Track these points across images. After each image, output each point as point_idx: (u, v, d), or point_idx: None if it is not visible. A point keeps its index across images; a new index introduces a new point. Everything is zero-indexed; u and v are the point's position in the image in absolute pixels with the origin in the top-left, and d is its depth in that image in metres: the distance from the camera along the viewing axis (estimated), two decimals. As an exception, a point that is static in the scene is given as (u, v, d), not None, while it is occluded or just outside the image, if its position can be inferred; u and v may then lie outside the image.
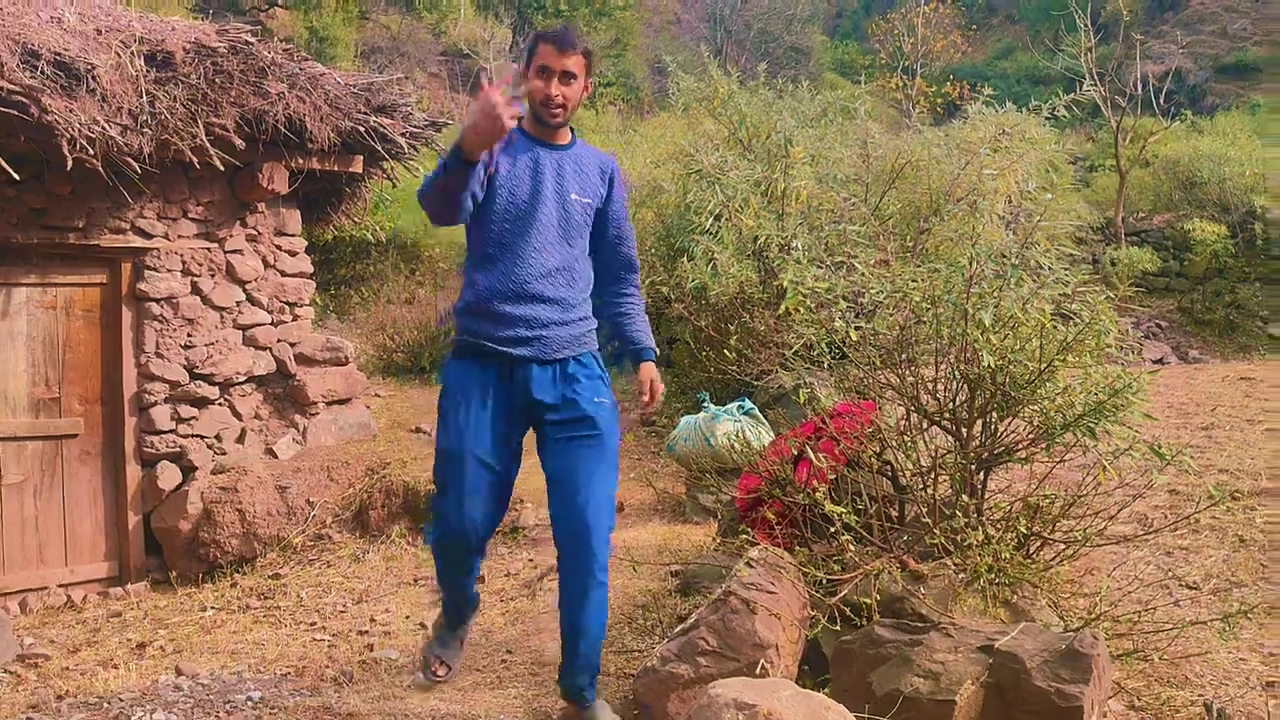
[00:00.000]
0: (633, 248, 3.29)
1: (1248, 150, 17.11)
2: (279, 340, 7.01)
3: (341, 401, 7.27)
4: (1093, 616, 3.21)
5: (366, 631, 4.65)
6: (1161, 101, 18.69)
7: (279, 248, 7.04)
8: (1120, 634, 3.48)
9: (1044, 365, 3.21)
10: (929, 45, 28.04)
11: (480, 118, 2.58)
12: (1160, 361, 14.65)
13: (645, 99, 24.60)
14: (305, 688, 3.75)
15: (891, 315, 3.80)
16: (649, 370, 3.21)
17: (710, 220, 6.68)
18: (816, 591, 3.23)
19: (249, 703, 3.43)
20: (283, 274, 7.06)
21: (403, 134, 6.81)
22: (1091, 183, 20.18)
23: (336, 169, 7.00)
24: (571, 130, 3.16)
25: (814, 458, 3.45)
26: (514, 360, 2.97)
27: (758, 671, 2.79)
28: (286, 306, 7.07)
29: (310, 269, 7.27)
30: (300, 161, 6.67)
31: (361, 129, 6.61)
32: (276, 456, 6.77)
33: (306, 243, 7.31)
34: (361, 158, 7.06)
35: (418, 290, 10.95)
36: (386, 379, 9.13)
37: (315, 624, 4.90)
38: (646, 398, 3.18)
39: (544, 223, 2.98)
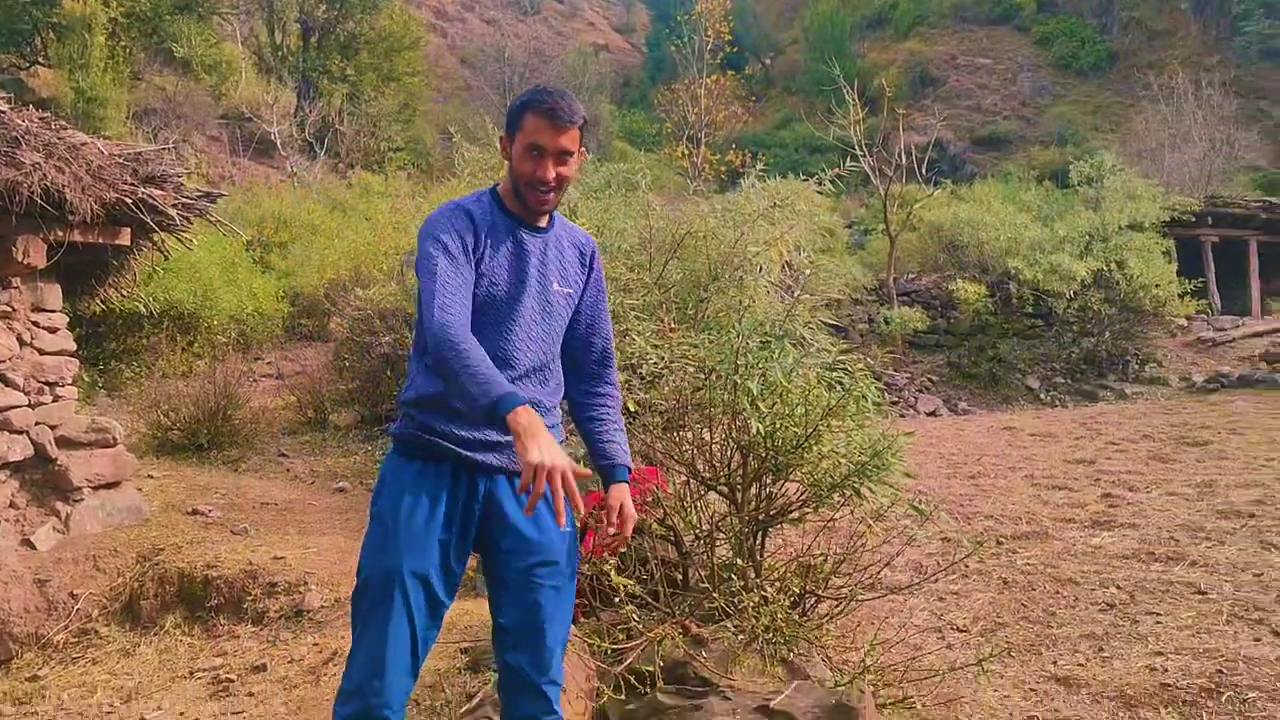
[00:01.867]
0: (608, 336, 2.82)
1: (1002, 215, 18.60)
2: (37, 423, 6.56)
3: (110, 485, 6.84)
4: (859, 671, 3.38)
5: (135, 733, 4.37)
6: (925, 170, 20.11)
7: (36, 324, 6.61)
8: (888, 684, 3.67)
9: (809, 430, 3.39)
10: (712, 115, 29.29)
11: (539, 468, 2.09)
12: (933, 414, 15.62)
13: (435, 164, 24.59)
14: (63, 802, 3.48)
15: (671, 382, 3.94)
16: (620, 493, 2.63)
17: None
18: (603, 661, 3.26)
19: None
20: (41, 352, 6.62)
21: (174, 205, 6.56)
22: (866, 245, 21.47)
23: (101, 241, 6.66)
24: None
25: (594, 527, 3.50)
26: (477, 468, 2.52)
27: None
28: (46, 386, 6.63)
29: (72, 346, 6.85)
30: (60, 234, 6.31)
31: (128, 200, 6.32)
32: (35, 548, 6.29)
33: (69, 318, 6.90)
34: (129, 230, 6.75)
35: (195, 363, 10.48)
36: (160, 458, 8.66)
37: (77, 730, 4.57)
38: (613, 528, 2.60)
39: (525, 318, 2.57)
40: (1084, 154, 20.76)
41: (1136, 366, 17.23)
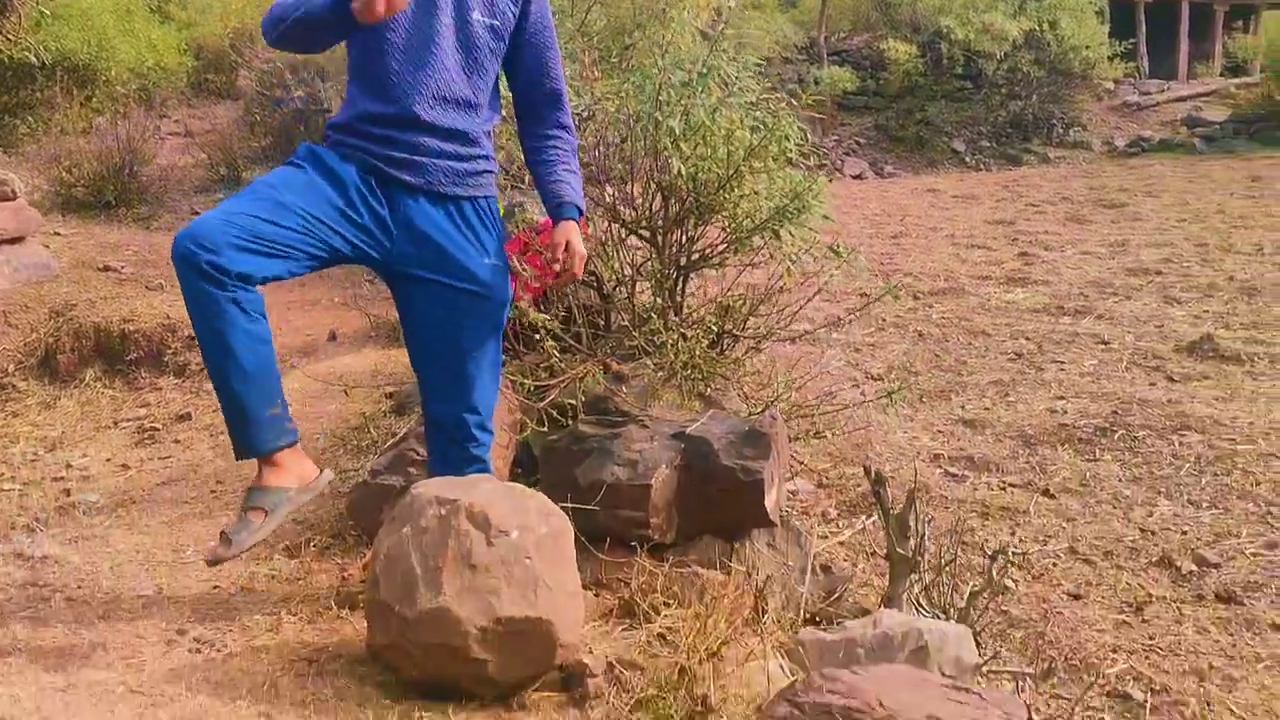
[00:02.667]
0: (559, 79, 2.64)
1: (938, -29, 18.01)
2: (-71, 174, 6.26)
3: (14, 240, 6.62)
4: (771, 400, 3.50)
5: (62, 478, 4.40)
6: (861, -79, 19.28)
7: (-84, 67, 6.19)
8: (802, 416, 3.81)
9: (731, 171, 3.35)
10: None
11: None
12: (859, 176, 15.63)
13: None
14: (-8, 538, 3.53)
15: (592, 129, 3.85)
16: (565, 231, 2.51)
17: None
18: (526, 399, 3.32)
19: (-76, 559, 3.19)
20: (-75, 98, 6.24)
21: (56, -65, 6.04)
22: (798, 3, 20.77)
23: (-22, -25, 6.17)
24: None
25: (519, 268, 3.49)
26: (393, 181, 2.39)
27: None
28: (-66, 136, 6.29)
29: (-41, 93, 6.46)
30: (-69, -35, 5.82)
31: (4, -73, 5.82)
32: (-59, 303, 6.13)
33: (-47, 63, 6.47)
34: (8, -38, 6.24)
35: (95, 119, 9.96)
36: (67, 216, 8.35)
37: (3, 474, 4.59)
38: (557, 265, 2.51)
39: (440, 50, 2.39)
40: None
41: (1061, 130, 17.30)
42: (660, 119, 3.33)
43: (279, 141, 9.70)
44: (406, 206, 2.41)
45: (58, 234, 7.62)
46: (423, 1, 2.39)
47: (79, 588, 2.86)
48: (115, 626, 2.59)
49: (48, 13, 9.38)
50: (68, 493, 4.17)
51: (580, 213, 2.60)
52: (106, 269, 6.92)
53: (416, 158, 2.38)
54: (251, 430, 2.27)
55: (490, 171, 2.56)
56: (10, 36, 7.63)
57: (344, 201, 2.33)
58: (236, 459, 2.35)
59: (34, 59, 9.63)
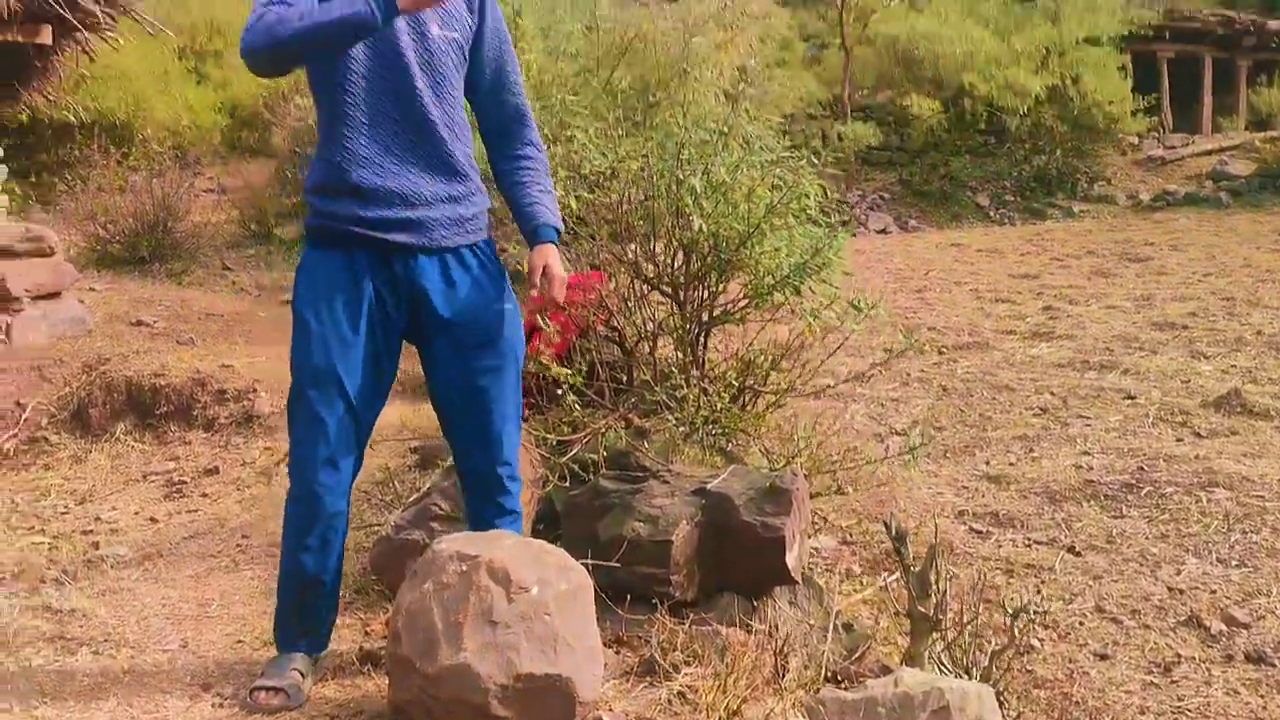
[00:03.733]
0: (519, 93, 2.57)
1: (959, 29, 18.22)
2: (-32, 231, 6.41)
3: (50, 296, 6.74)
4: (793, 455, 3.50)
5: (91, 531, 4.44)
6: (883, -20, 19.50)
7: (-41, 128, 6.38)
8: (825, 472, 3.81)
9: (752, 228, 3.39)
10: (666, -81, 28.08)
11: None
12: (884, 231, 15.69)
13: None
14: (22, 590, 3.57)
15: (616, 187, 3.90)
16: (544, 254, 2.41)
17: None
18: (549, 453, 3.35)
19: (-44, 611, 3.23)
20: (-34, 159, 6.41)
21: (96, 1, 6.24)
22: (822, 60, 20.99)
23: (21, 40, 6.35)
24: None
25: (543, 324, 3.53)
26: (391, 250, 2.35)
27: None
28: (-26, 195, 6.45)
29: None
30: (-23, 31, 6.01)
31: (47, -7, 6.00)
32: (-23, 358, 6.24)
33: (-5, 125, 6.66)
34: (49, 27, 6.42)
35: (131, 177, 10.18)
36: (102, 271, 8.51)
37: (33, 528, 4.63)
38: (535, 291, 2.42)
39: (409, 77, 2.32)
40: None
41: (1086, 184, 17.33)
42: (682, 177, 3.39)
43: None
44: (407, 268, 2.39)
45: (93, 289, 7.77)
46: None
47: (105, 641, 2.89)
48: (140, 680, 2.61)
49: (88, 74, 9.64)
50: (96, 545, 4.20)
51: (558, 233, 2.50)
52: (139, 323, 7.03)
53: (408, 214, 2.35)
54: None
55: (483, 210, 2.52)
56: (51, 97, 7.84)
57: (366, 316, 2.37)
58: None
59: (73, 118, 9.89)
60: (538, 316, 3.82)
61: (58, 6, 6.09)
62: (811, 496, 3.60)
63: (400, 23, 2.29)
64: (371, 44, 2.29)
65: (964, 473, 4.99)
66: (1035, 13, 18.60)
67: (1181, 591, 3.62)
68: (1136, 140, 19.06)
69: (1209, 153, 19.12)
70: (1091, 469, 4.90)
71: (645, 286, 3.79)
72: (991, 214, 16.69)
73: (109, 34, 6.72)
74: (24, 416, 5.90)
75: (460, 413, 2.52)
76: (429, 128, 2.36)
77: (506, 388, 2.50)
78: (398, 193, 2.34)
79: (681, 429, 3.34)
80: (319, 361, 2.34)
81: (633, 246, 3.86)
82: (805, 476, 3.18)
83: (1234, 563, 3.82)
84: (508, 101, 2.55)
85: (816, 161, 3.76)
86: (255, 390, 5.65)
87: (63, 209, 9.65)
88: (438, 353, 2.47)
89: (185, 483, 5.00)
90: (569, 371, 3.29)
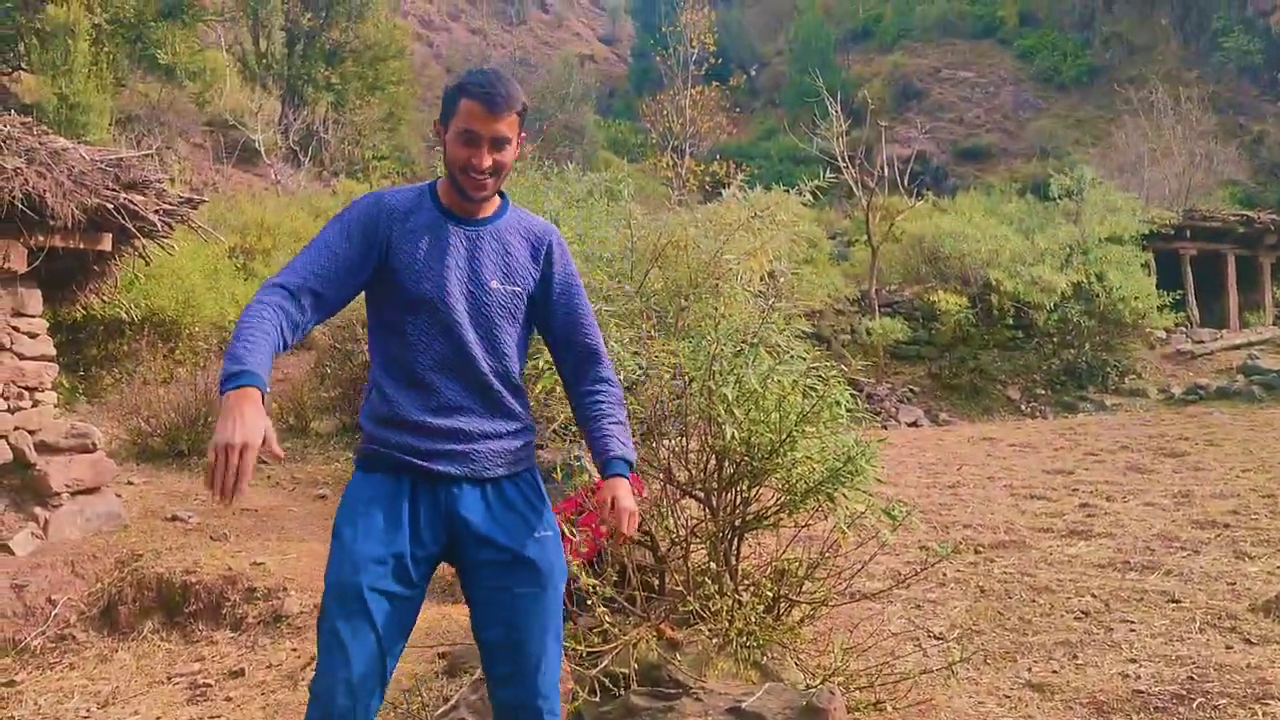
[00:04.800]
0: (591, 333, 2.60)
1: (984, 228, 18.73)
2: (16, 428, 6.55)
3: (89, 491, 6.84)
4: (830, 672, 3.42)
5: (111, 738, 4.37)
6: (907, 182, 20.26)
7: (16, 329, 6.61)
8: (861, 687, 3.70)
9: (784, 436, 3.42)
10: (697, 126, 29.44)
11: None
12: (914, 424, 15.69)
13: (419, 172, 24.58)
14: (37, 806, 3.49)
15: (649, 390, 3.98)
16: (613, 487, 2.41)
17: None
18: (578, 665, 3.29)
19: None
20: (20, 357, 6.62)
21: (155, 211, 6.57)
22: (850, 256, 21.56)
23: (82, 246, 6.67)
24: (502, 195, 2.55)
25: (569, 533, 3.53)
26: (436, 479, 2.41)
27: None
28: (25, 391, 6.63)
29: (52, 351, 6.85)
30: (41, 239, 6.32)
31: (110, 206, 6.33)
32: (13, 553, 6.28)
33: (49, 323, 6.91)
34: (110, 235, 6.76)
35: (176, 369, 10.46)
36: (141, 464, 8.64)
37: (53, 734, 4.56)
38: (604, 526, 2.42)
39: (456, 324, 2.41)
40: (1065, 167, 20.89)
41: (1116, 378, 17.36)
42: (714, 387, 3.45)
43: (347, 393, 10.06)
44: (450, 497, 2.41)
45: (130, 483, 7.87)
46: (435, 279, 2.40)
47: None
48: None
49: (141, 275, 10.04)
50: (115, 756, 4.12)
51: (630, 466, 2.49)
52: (174, 519, 7.08)
53: (457, 447, 2.40)
54: None
55: (530, 443, 2.54)
56: (105, 298, 8.16)
57: (404, 537, 2.37)
58: None
59: (124, 315, 10.24)
60: (563, 524, 3.82)
61: (120, 218, 6.42)
62: (849, 711, 3.49)
63: (455, 276, 2.40)
64: (425, 294, 2.39)
65: (1006, 681, 4.82)
66: (1057, 213, 19.12)
67: (1244, 819, 3.43)
68: (1164, 335, 19.21)
69: (1237, 347, 19.20)
70: (1139, 678, 4.72)
71: (677, 491, 3.79)
72: (1023, 407, 16.69)
73: (165, 240, 7.04)
74: (54, 613, 5.89)
75: (498, 638, 2.45)
76: (481, 379, 2.43)
77: (546, 614, 2.44)
78: (449, 430, 2.39)
79: (715, 640, 3.28)
80: (349, 579, 2.33)
81: (664, 450, 3.89)
82: (842, 694, 3.10)
83: (1297, 787, 3.63)
84: (580, 341, 2.59)
85: (845, 365, 3.83)
86: (285, 589, 5.63)
87: (108, 402, 9.87)
88: (476, 575, 2.45)
89: (210, 685, 4.93)
90: (597, 582, 3.26)
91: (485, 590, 2.44)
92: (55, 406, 6.96)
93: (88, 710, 4.85)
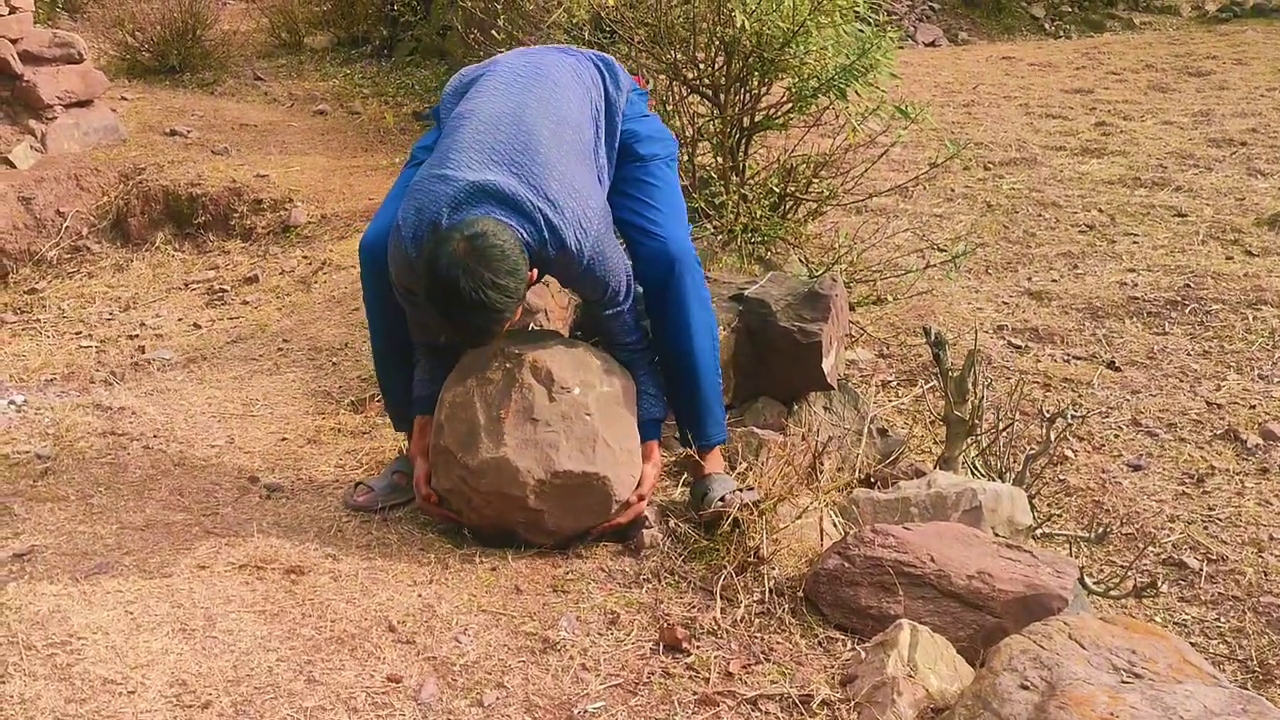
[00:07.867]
0: (602, 302, 2.37)
1: None
2: (-2, 36, 6.28)
3: (82, 104, 6.67)
4: (833, 261, 3.46)
5: (137, 336, 4.53)
6: None
7: (-15, -72, 6.16)
8: (863, 281, 3.76)
9: (797, 26, 3.25)
10: None
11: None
12: (932, 44, 15.06)
13: None
14: (73, 389, 3.67)
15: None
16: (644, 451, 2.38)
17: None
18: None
19: (11, 406, 3.32)
20: (-11, -42, 6.22)
21: None
22: None
23: None
24: None
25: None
26: None
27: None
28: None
29: (24, -47, 6.42)
30: None
31: None
32: (15, 166, 6.23)
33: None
34: None
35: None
36: (132, 80, 8.36)
37: (80, 333, 4.73)
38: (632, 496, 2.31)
39: None
40: None
41: (1148, -7, 16.45)
42: (724, -29, 3.23)
43: (340, 5, 9.59)
44: None
45: (124, 98, 7.67)
46: None
47: (155, 437, 2.97)
48: (190, 473, 2.69)
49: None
50: (142, 349, 4.29)
51: (657, 428, 2.45)
52: (173, 133, 6.96)
53: None
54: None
55: None
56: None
57: None
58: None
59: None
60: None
61: None
62: (850, 306, 3.57)
63: None
64: None
65: (1005, 288, 4.93)
66: None
67: (1220, 406, 3.61)
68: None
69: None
70: (1136, 286, 4.81)
71: (684, 89, 3.66)
72: (1046, 26, 15.93)
73: None
74: (65, 225, 5.94)
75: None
76: None
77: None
78: None
79: (720, 236, 3.29)
80: None
81: (672, 49, 3.71)
82: (844, 285, 3.14)
83: (1276, 379, 3.78)
84: (595, 309, 2.41)
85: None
86: (291, 200, 5.62)
87: (90, 15, 9.44)
88: None
89: (226, 290, 5.05)
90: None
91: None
92: (35, 21, 6.64)
93: (110, 313, 5.00)
